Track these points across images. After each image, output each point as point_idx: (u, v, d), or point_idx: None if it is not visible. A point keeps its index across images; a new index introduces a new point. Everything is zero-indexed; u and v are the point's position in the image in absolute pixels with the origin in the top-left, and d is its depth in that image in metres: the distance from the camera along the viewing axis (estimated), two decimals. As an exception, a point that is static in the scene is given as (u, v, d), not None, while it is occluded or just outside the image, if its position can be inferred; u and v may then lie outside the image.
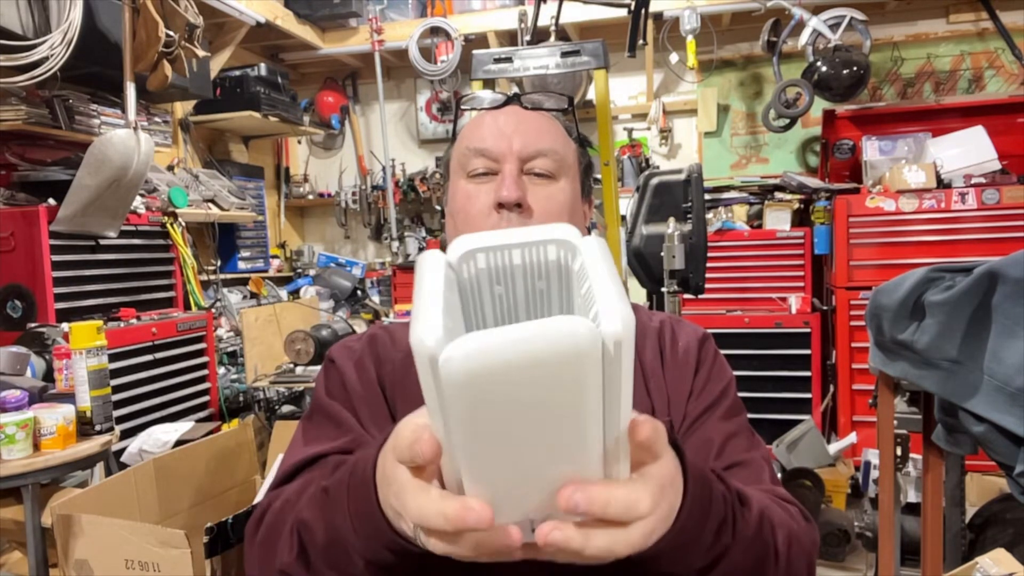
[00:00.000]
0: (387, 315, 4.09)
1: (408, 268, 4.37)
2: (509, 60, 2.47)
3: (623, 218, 2.59)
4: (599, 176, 2.64)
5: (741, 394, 0.88)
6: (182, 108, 3.88)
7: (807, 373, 3.34)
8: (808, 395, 3.35)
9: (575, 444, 0.40)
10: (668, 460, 0.48)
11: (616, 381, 0.39)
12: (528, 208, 0.81)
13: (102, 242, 2.80)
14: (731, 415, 0.83)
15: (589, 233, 0.95)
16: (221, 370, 3.51)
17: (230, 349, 3.68)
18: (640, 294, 2.58)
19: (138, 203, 3.00)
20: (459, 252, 0.48)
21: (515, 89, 4.10)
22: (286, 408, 3.33)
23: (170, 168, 3.69)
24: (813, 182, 3.53)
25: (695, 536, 0.54)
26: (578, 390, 0.37)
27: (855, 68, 3.49)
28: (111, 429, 1.95)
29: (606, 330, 0.37)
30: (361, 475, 0.55)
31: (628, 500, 0.43)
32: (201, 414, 3.12)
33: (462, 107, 0.93)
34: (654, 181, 2.31)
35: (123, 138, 2.55)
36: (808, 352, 3.34)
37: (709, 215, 3.57)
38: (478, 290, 0.49)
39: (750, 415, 0.87)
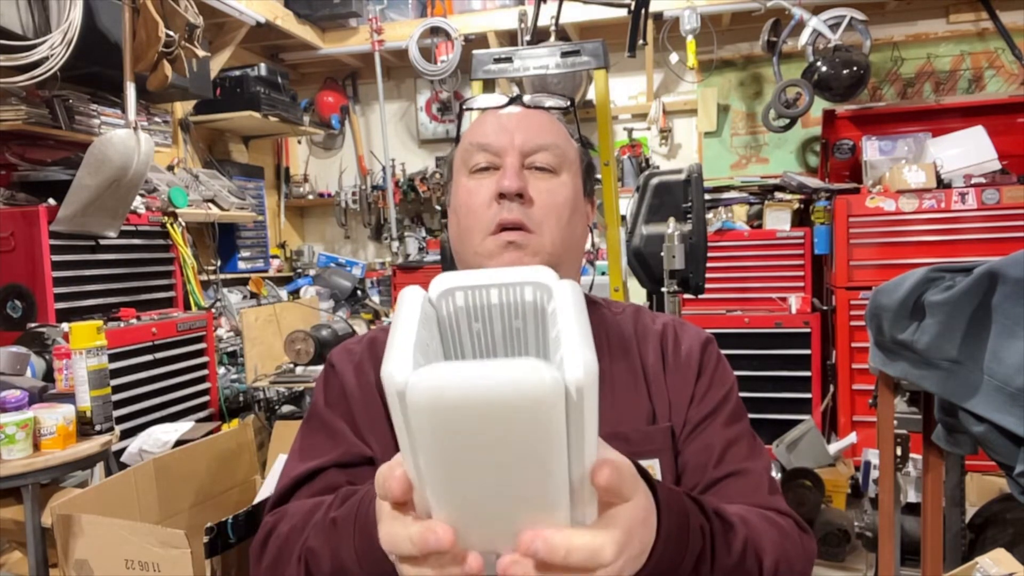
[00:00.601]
0: (387, 315, 4.09)
1: (408, 268, 4.37)
2: (509, 60, 2.47)
3: (623, 218, 2.58)
4: (599, 176, 2.64)
5: (741, 394, 0.87)
6: (182, 108, 3.88)
7: (807, 373, 3.34)
8: (808, 395, 3.35)
9: (538, 483, 0.40)
10: (639, 499, 0.47)
11: (579, 425, 0.39)
12: (529, 199, 0.81)
13: (102, 242, 2.79)
14: (732, 421, 0.83)
15: (592, 232, 0.95)
16: (221, 370, 3.51)
17: (230, 349, 3.68)
18: (640, 294, 2.58)
19: (138, 203, 3.00)
20: (439, 290, 0.49)
21: (515, 90, 4.10)
22: (286, 408, 3.33)
23: (170, 168, 3.69)
24: (813, 182, 3.53)
25: (669, 573, 0.54)
26: (539, 431, 0.38)
27: (855, 68, 3.48)
28: (111, 429, 1.95)
29: (568, 376, 0.37)
30: (367, 510, 0.57)
31: (590, 549, 0.42)
32: (201, 414, 3.12)
33: (465, 108, 0.94)
34: (654, 181, 2.31)
35: (123, 138, 2.55)
36: (808, 352, 3.34)
37: (709, 215, 3.57)
38: (457, 326, 0.51)
39: (750, 415, 0.86)
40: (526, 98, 0.89)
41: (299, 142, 5.02)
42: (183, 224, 3.30)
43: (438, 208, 4.58)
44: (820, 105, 3.67)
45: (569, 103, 0.91)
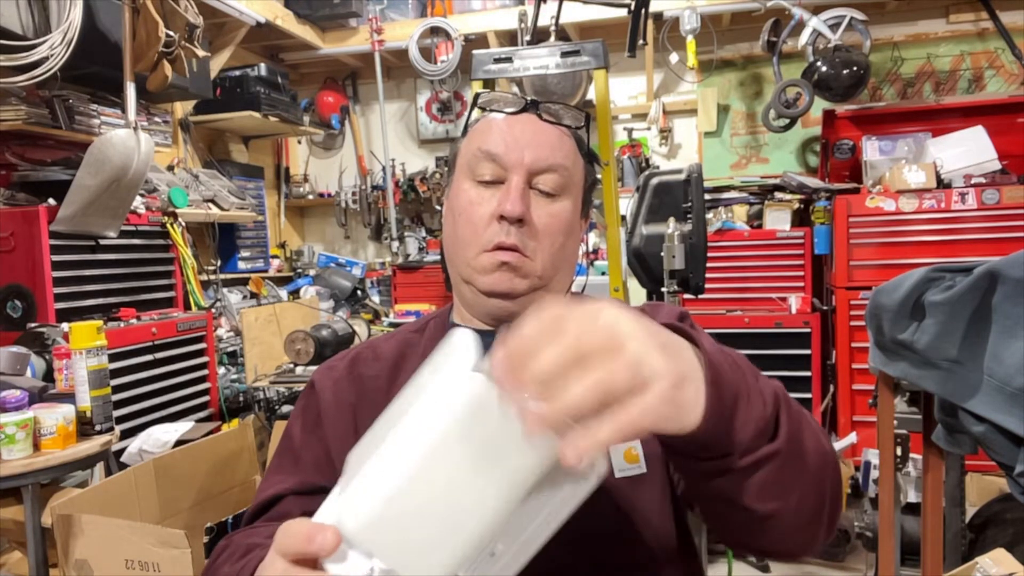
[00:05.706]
0: (387, 315, 4.09)
1: (408, 268, 4.37)
2: (509, 60, 2.47)
3: (623, 218, 2.58)
4: (599, 177, 2.64)
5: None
6: (182, 108, 3.88)
7: (807, 373, 3.34)
8: (808, 395, 3.35)
9: (478, 504, 0.48)
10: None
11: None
12: (529, 223, 0.82)
13: (102, 242, 2.79)
14: None
15: (587, 236, 0.95)
16: (221, 370, 3.51)
17: (230, 349, 3.68)
18: (640, 294, 2.58)
19: (138, 203, 3.00)
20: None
21: (515, 89, 4.10)
22: (286, 408, 3.33)
23: (170, 168, 3.69)
24: (813, 182, 3.53)
25: (738, 384, 0.56)
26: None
27: (855, 68, 3.48)
28: (111, 429, 1.95)
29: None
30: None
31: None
32: (201, 414, 3.12)
33: (480, 106, 0.91)
34: (654, 181, 2.31)
35: (123, 138, 2.55)
36: (808, 352, 3.34)
37: (709, 215, 3.57)
38: None
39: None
40: (543, 108, 0.86)
41: (299, 142, 5.01)
42: (183, 224, 3.30)
43: (438, 208, 4.58)
44: (820, 105, 3.67)
45: (584, 120, 0.89)
